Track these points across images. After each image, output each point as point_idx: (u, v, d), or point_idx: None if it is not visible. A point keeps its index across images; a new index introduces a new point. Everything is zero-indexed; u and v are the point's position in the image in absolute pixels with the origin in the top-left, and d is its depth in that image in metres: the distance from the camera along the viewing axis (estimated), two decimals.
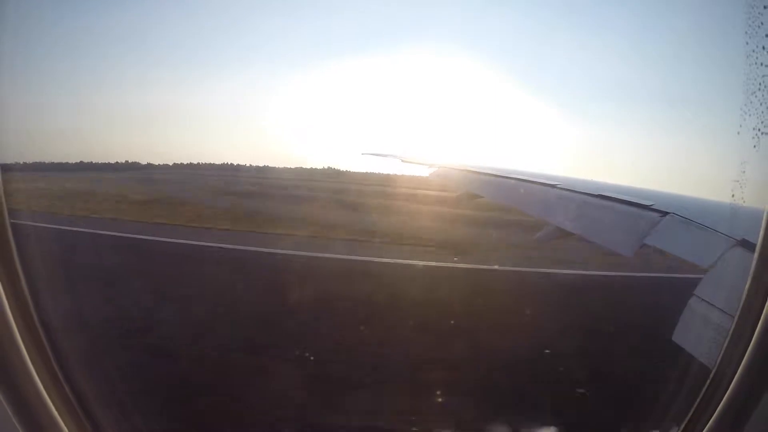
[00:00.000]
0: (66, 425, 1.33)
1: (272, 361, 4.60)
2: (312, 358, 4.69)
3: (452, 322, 5.57)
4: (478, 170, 5.39)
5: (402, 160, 7.93)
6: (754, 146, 1.88)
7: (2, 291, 1.22)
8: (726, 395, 1.29)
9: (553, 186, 3.77)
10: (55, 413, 1.30)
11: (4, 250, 1.27)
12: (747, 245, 1.88)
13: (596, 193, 3.27)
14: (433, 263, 8.74)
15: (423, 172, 7.18)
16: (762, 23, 1.79)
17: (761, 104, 1.83)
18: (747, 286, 1.37)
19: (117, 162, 29.92)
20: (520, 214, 4.87)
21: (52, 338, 1.38)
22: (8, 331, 1.22)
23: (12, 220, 1.27)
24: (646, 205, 2.82)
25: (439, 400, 4.07)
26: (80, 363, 1.82)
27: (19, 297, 1.29)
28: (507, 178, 4.59)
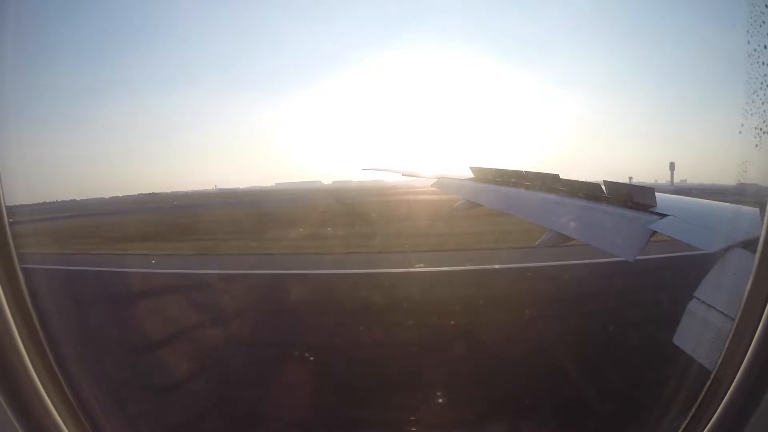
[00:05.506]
0: (66, 425, 1.33)
1: None
2: None
3: None
4: (476, 179, 5.35)
5: (402, 174, 7.96)
6: (756, 145, 1.87)
7: (2, 291, 1.23)
8: (726, 396, 1.28)
9: (552, 185, 3.73)
10: (55, 413, 1.31)
11: (3, 251, 1.28)
12: (747, 246, 1.87)
13: (595, 196, 3.22)
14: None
15: (423, 183, 7.21)
16: (764, 22, 1.78)
17: (763, 103, 1.82)
18: (748, 287, 1.36)
19: None
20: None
21: (51, 339, 1.39)
22: (8, 332, 1.23)
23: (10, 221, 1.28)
24: (646, 208, 2.79)
25: None
26: (79, 363, 1.82)
27: (18, 297, 1.29)
28: (505, 185, 4.54)
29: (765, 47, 1.77)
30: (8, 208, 1.31)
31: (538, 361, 4.80)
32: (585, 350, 5.06)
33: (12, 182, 1.50)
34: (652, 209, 2.80)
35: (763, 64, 1.80)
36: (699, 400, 1.41)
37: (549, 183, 3.88)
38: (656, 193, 2.89)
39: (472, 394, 4.27)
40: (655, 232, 2.57)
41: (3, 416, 1.20)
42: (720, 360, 1.40)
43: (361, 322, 6.20)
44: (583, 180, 3.60)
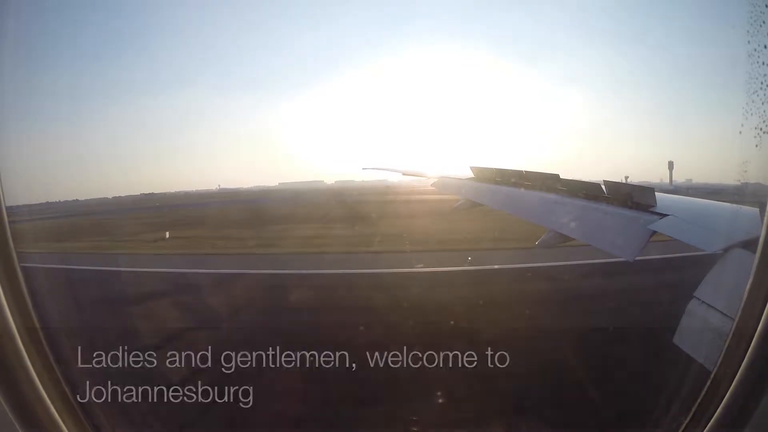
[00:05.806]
0: (66, 425, 1.33)
1: None
2: None
3: None
4: (476, 179, 5.34)
5: (403, 174, 7.96)
6: (756, 145, 1.87)
7: (2, 291, 1.23)
8: (726, 396, 1.28)
9: (552, 185, 3.72)
10: (55, 413, 1.31)
11: (4, 251, 1.28)
12: (747, 246, 1.86)
13: (595, 196, 3.22)
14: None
15: (424, 183, 7.20)
16: (764, 22, 1.78)
17: (763, 103, 1.82)
18: (748, 287, 1.35)
19: None
20: None
21: (51, 339, 1.39)
22: (8, 332, 1.23)
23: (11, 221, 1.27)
24: (646, 208, 2.79)
25: None
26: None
27: (18, 297, 1.29)
28: (506, 185, 4.53)
29: (765, 47, 1.78)
30: (8, 208, 1.31)
31: (538, 360, 4.79)
32: (584, 350, 5.05)
33: (12, 182, 1.50)
34: (652, 209, 2.79)
35: (763, 64, 1.80)
36: (699, 400, 1.40)
37: (549, 183, 3.87)
38: (656, 193, 2.89)
39: (471, 388, 4.27)
40: (655, 232, 2.56)
41: (3, 416, 1.20)
42: (720, 360, 1.39)
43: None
44: (584, 180, 3.60)
